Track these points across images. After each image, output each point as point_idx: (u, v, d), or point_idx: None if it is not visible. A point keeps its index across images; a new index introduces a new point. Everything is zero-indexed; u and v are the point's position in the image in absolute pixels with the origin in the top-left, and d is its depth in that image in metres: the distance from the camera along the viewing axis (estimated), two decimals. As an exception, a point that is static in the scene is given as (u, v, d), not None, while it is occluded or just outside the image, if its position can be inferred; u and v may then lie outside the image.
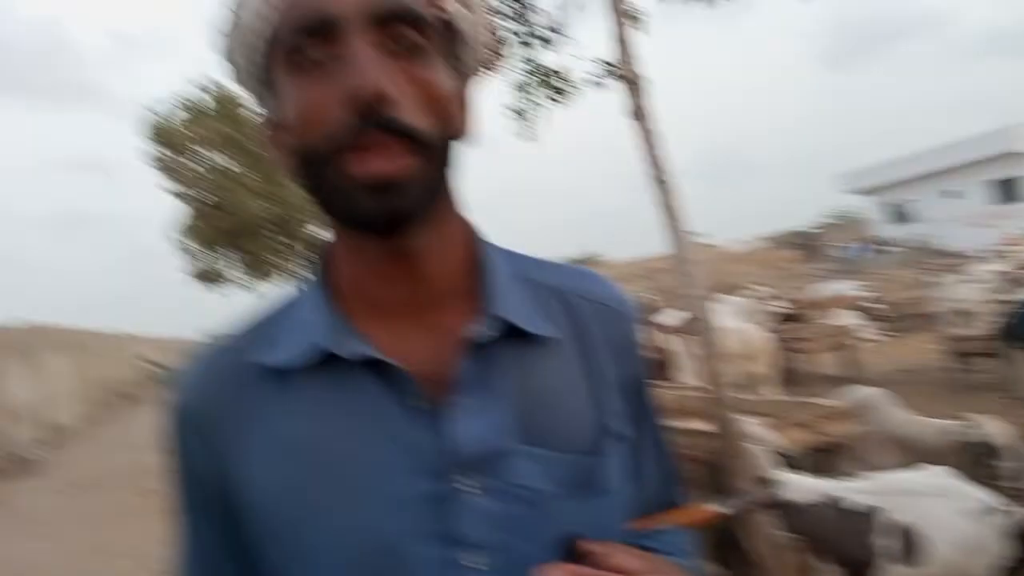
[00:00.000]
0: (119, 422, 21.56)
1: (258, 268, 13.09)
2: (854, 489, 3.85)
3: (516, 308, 0.83)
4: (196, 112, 11.23)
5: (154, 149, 11.47)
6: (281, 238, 11.49)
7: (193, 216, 11.95)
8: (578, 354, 0.87)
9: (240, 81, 0.86)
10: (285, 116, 0.78)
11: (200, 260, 13.47)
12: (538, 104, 3.82)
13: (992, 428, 5.31)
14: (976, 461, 5.23)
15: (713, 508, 0.76)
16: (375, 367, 0.79)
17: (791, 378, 11.00)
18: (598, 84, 3.65)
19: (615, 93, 3.86)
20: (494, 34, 0.88)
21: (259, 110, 0.85)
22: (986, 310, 11.19)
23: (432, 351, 0.81)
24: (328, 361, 0.79)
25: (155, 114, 11.51)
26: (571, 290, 0.90)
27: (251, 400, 0.82)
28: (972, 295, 11.45)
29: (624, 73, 2.47)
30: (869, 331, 13.16)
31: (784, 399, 5.92)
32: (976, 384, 9.21)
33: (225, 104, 11.27)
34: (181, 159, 11.22)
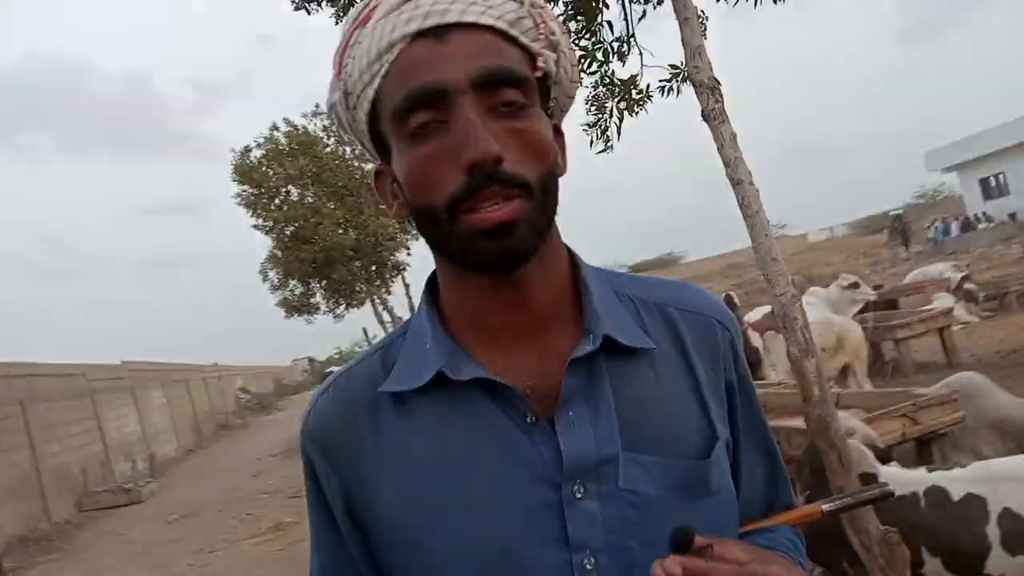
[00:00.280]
0: (218, 451, 22.32)
1: (343, 295, 13.44)
2: (958, 478, 3.74)
3: (615, 324, 0.90)
4: (277, 150, 11.65)
5: (239, 187, 11.94)
6: (363, 266, 11.78)
7: (279, 249, 12.36)
8: (678, 362, 0.93)
9: (343, 130, 0.97)
10: (400, 175, 0.87)
11: (288, 291, 13.92)
12: (612, 116, 3.86)
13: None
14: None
15: (822, 507, 0.79)
16: (488, 387, 0.87)
17: (884, 367, 10.71)
18: (671, 91, 3.67)
19: (689, 96, 3.89)
20: (576, 67, 0.95)
21: (363, 155, 0.99)
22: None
23: (540, 370, 0.89)
24: (443, 383, 0.87)
25: (238, 154, 11.96)
26: (667, 302, 0.97)
27: (375, 422, 0.91)
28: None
29: (694, 77, 2.49)
30: (964, 313, 12.71)
31: (879, 390, 5.78)
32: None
33: (304, 142, 11.65)
34: (264, 195, 11.63)
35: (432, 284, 0.97)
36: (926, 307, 11.78)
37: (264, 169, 11.56)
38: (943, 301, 12.05)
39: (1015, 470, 3.80)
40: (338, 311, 14.02)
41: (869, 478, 3.61)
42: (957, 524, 3.55)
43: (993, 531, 3.53)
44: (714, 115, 2.44)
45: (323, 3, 4.26)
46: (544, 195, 0.84)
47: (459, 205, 0.81)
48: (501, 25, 0.84)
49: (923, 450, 5.07)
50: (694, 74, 2.47)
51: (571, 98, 0.97)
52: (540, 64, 0.87)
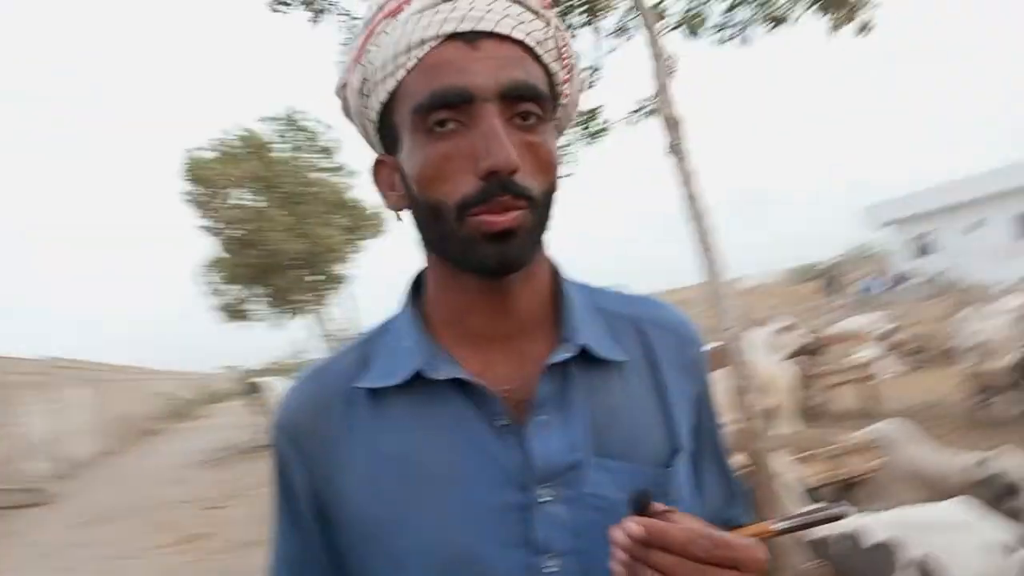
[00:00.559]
0: (135, 456, 21.69)
1: (284, 304, 13.23)
2: (877, 522, 3.82)
3: (591, 335, 0.92)
4: (229, 153, 11.46)
5: (189, 187, 11.69)
6: (308, 275, 11.63)
7: (224, 252, 12.14)
8: (648, 375, 0.96)
9: (350, 117, 0.98)
10: (410, 168, 0.88)
11: (227, 295, 13.64)
12: (573, 144, 3.90)
13: (1014, 462, 5.25)
14: (996, 496, 5.16)
15: (773, 526, 0.78)
16: (463, 388, 0.88)
17: (811, 412, 10.94)
18: (635, 123, 3.73)
19: (646, 130, 3.96)
20: (581, 93, 1.00)
21: (372, 149, 0.97)
22: (1009, 344, 11.10)
23: (516, 375, 0.91)
24: (419, 382, 0.88)
25: (190, 153, 11.75)
26: (640, 317, 1.00)
27: (347, 417, 0.92)
28: (995, 329, 11.36)
29: (663, 113, 2.54)
30: (891, 364, 13.06)
31: (808, 432, 5.90)
32: (998, 418, 9.10)
33: (257, 146, 11.48)
34: (214, 197, 11.42)
35: (415, 285, 0.99)
36: (855, 355, 12.09)
37: (215, 169, 11.32)
38: (871, 351, 12.37)
39: (929, 519, 3.90)
40: (277, 320, 13.82)
41: (796, 516, 3.66)
42: (870, 569, 3.62)
43: (905, 576, 3.60)
44: (677, 151, 2.49)
45: (293, 3, 4.23)
46: (545, 209, 0.88)
47: (470, 208, 0.83)
48: (530, 42, 0.87)
49: (847, 493, 5.17)
50: (661, 110, 2.52)
51: (572, 120, 1.01)
52: (565, 91, 0.93)
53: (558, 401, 0.90)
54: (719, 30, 3.53)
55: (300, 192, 11.26)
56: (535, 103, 0.86)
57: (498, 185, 0.82)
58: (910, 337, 16.03)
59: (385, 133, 0.93)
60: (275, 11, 4.20)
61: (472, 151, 0.83)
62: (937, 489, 5.42)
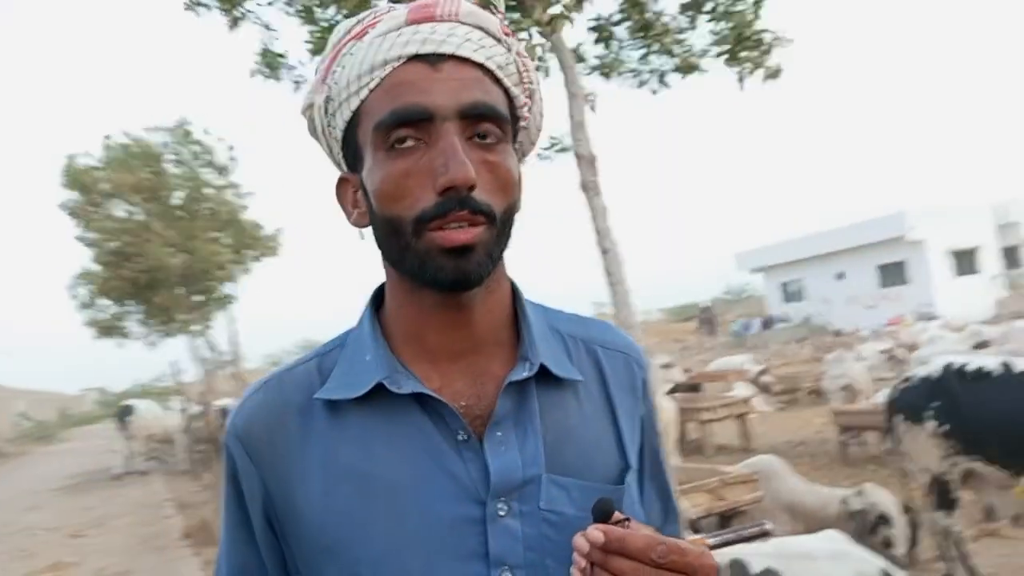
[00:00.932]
0: (-9, 478, 20.34)
1: (162, 322, 12.67)
2: (756, 552, 4.01)
3: (548, 355, 0.95)
4: (116, 158, 10.90)
5: (67, 194, 11.07)
6: (188, 292, 11.14)
7: (102, 265, 11.52)
8: (599, 395, 1.00)
9: (316, 136, 1.00)
10: (371, 185, 0.90)
11: (102, 311, 12.96)
12: None
13: (879, 497, 5.60)
14: (869, 527, 5.49)
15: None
16: (423, 402, 0.90)
17: (688, 446, 11.33)
18: (547, 159, 3.84)
19: (557, 166, 4.08)
20: (543, 117, 1.03)
21: (337, 164, 0.99)
22: (871, 386, 11.80)
23: (473, 391, 0.93)
24: (378, 395, 0.90)
25: (71, 160, 11.11)
26: (592, 340, 1.04)
27: (304, 428, 0.92)
28: (858, 372, 12.06)
29: (578, 150, 2.64)
30: (761, 403, 13.64)
31: (688, 466, 6.11)
32: (861, 457, 9.65)
33: (147, 153, 10.96)
34: (93, 205, 10.82)
35: (376, 299, 1.00)
36: (728, 393, 12.58)
37: (97, 173, 10.73)
38: (742, 390, 12.88)
39: (807, 549, 4.11)
40: (152, 338, 13.21)
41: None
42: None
43: (783, 604, 3.80)
44: (590, 187, 2.60)
45: (210, 6, 4.16)
46: (503, 227, 0.90)
47: (427, 223, 0.85)
48: (491, 65, 0.90)
49: (725, 524, 5.38)
50: (576, 146, 2.62)
51: (534, 144, 1.04)
52: (525, 114, 0.96)
53: (515, 418, 0.92)
54: (635, 75, 3.69)
55: (187, 207, 10.86)
56: (494, 123, 0.89)
57: (456, 201, 0.84)
58: (779, 378, 16.74)
59: (349, 152, 0.95)
60: (189, 10, 4.13)
61: (431, 168, 0.85)
62: (810, 521, 5.72)
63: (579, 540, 0.82)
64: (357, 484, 0.89)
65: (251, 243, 11.52)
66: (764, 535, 0.94)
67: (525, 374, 0.92)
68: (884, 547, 5.36)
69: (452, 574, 0.87)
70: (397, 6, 0.92)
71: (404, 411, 0.91)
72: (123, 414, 17.29)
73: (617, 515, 0.83)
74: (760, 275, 41.62)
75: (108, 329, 13.18)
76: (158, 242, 10.25)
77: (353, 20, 0.95)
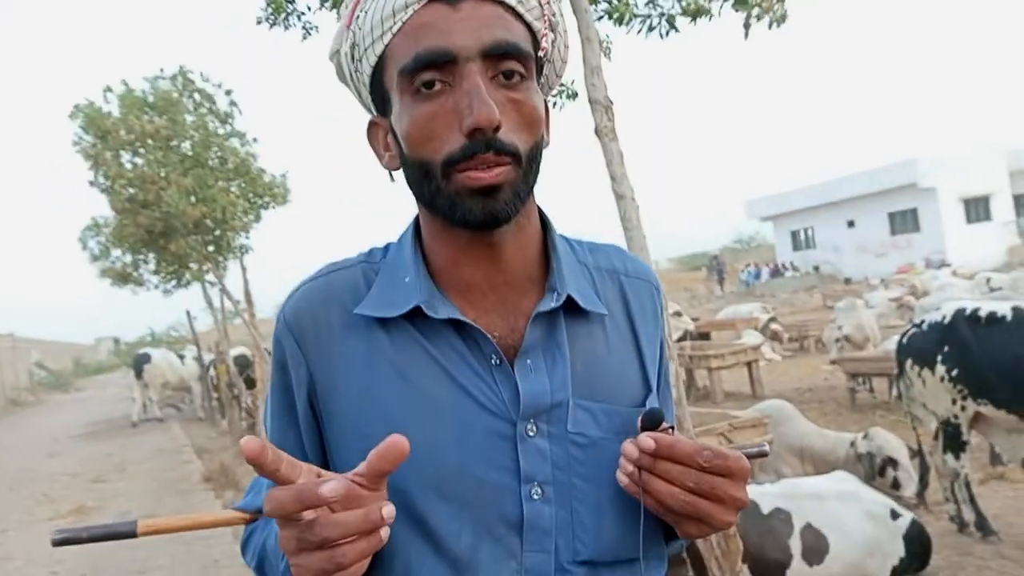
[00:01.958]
0: (7, 427, 20.66)
1: (176, 271, 12.70)
2: (768, 493, 4.11)
3: (576, 288, 0.99)
4: (136, 100, 10.81)
5: (84, 139, 10.98)
6: (202, 241, 11.14)
7: (117, 212, 11.48)
8: (624, 324, 1.04)
9: (344, 81, 1.03)
10: (399, 129, 0.93)
11: (115, 259, 12.99)
12: None
13: (886, 440, 5.70)
14: (877, 469, 5.60)
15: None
16: (458, 327, 0.95)
17: (695, 393, 11.46)
18: (557, 107, 3.84)
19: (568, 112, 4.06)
20: (568, 49, 1.05)
21: (368, 109, 1.02)
22: (878, 334, 11.88)
23: (506, 322, 0.97)
24: (417, 315, 0.94)
25: (89, 103, 11.01)
26: (617, 270, 1.08)
27: (348, 327, 0.97)
28: (867, 320, 12.13)
29: (591, 95, 2.65)
30: (769, 351, 13.75)
31: (698, 410, 6.19)
32: (869, 404, 9.76)
33: (167, 99, 10.86)
34: (110, 151, 10.74)
35: (416, 228, 1.03)
36: (737, 341, 12.67)
37: (115, 119, 10.64)
38: (751, 338, 12.97)
39: (817, 490, 4.23)
40: (168, 286, 13.26)
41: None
42: (766, 535, 3.90)
43: (795, 543, 3.91)
44: (606, 132, 2.61)
45: None
46: (530, 165, 0.92)
47: (455, 165, 0.87)
48: (511, 1, 0.91)
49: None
50: (591, 92, 2.63)
51: (559, 77, 1.06)
52: (544, 45, 0.96)
53: (544, 346, 0.95)
54: (643, 20, 3.67)
55: (198, 154, 10.80)
56: (518, 61, 0.89)
57: (482, 142, 0.85)
58: (787, 326, 16.83)
59: (377, 96, 0.96)
60: None
61: (456, 110, 0.86)
62: (819, 464, 5.84)
63: (628, 447, 0.87)
64: (396, 390, 0.93)
65: (260, 190, 11.47)
66: (762, 455, 1.00)
67: (552, 304, 0.95)
68: (892, 489, 5.49)
69: (485, 479, 0.91)
70: None
71: (440, 333, 0.95)
72: (139, 362, 17.53)
73: (664, 425, 0.89)
74: (769, 223, 41.53)
75: (123, 277, 13.19)
76: (174, 190, 10.21)
77: None
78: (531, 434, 0.93)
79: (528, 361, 0.95)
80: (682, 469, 0.84)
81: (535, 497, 0.92)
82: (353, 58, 0.97)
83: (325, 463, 0.98)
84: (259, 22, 4.29)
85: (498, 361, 0.94)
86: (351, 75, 0.99)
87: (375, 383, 0.94)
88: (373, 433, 0.87)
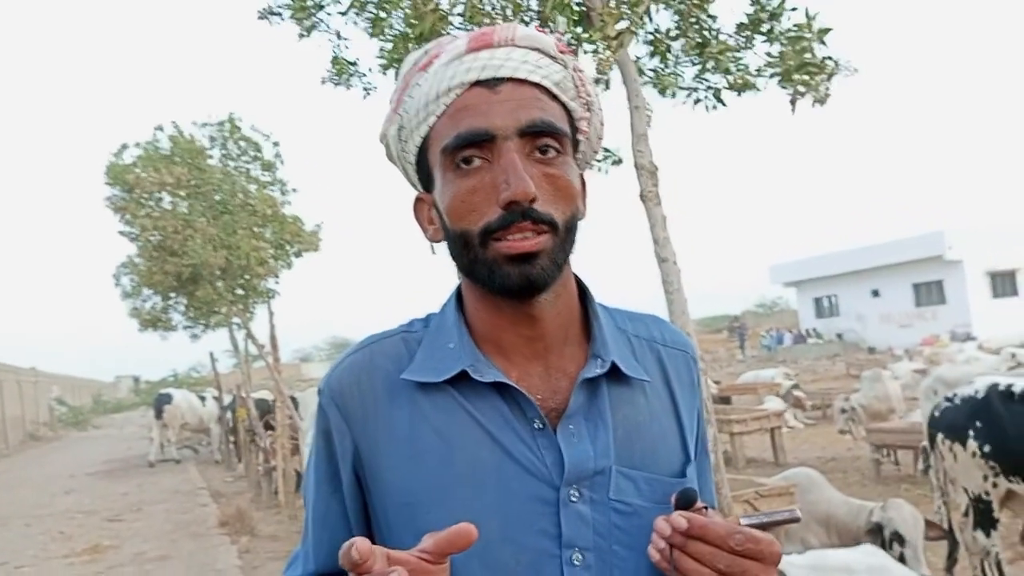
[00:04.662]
0: (25, 462, 20.73)
1: (203, 315, 12.88)
2: (796, 564, 4.05)
3: (618, 354, 1.03)
4: (156, 153, 11.10)
5: (110, 189, 11.29)
6: (228, 287, 11.29)
7: (144, 257, 11.71)
8: (663, 392, 1.07)
9: (392, 160, 1.10)
10: (442, 203, 0.98)
11: (140, 299, 13.18)
12: None
13: (900, 513, 5.58)
14: (884, 544, 5.48)
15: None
16: (502, 391, 0.98)
17: (719, 458, 11.30)
18: (603, 172, 3.91)
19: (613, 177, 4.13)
20: (603, 126, 1.10)
21: (413, 186, 1.08)
22: (903, 405, 11.74)
23: (548, 385, 1.01)
24: (462, 380, 0.98)
25: (114, 156, 11.34)
26: (655, 339, 1.11)
27: (392, 395, 1.01)
28: (893, 390, 12.00)
29: (637, 161, 2.71)
30: (791, 418, 13.60)
31: (724, 477, 6.12)
32: (894, 476, 9.61)
33: (188, 149, 11.15)
34: (133, 200, 11.00)
35: (458, 298, 1.07)
36: (759, 407, 12.55)
37: (138, 171, 10.95)
38: (773, 403, 12.85)
39: (846, 563, 4.16)
40: (196, 330, 13.44)
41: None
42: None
43: (822, 615, 3.84)
44: (650, 197, 2.67)
45: (284, 16, 4.29)
46: (567, 234, 0.97)
47: (493, 234, 0.93)
48: (547, 84, 0.98)
49: (762, 536, 5.40)
50: (638, 158, 2.70)
51: (596, 152, 1.12)
52: (584, 128, 1.03)
53: (587, 412, 0.98)
54: (690, 92, 3.75)
55: (227, 202, 11.00)
56: (553, 138, 0.95)
57: (519, 213, 0.91)
58: (810, 393, 16.65)
59: (422, 173, 1.03)
60: (263, 18, 4.25)
61: (495, 184, 0.92)
62: (843, 534, 5.73)
63: (661, 524, 0.89)
64: (440, 455, 0.96)
65: (291, 238, 11.65)
66: (794, 520, 1.00)
67: (598, 371, 0.99)
68: (905, 563, 5.36)
69: (526, 546, 0.94)
70: (459, 35, 1.00)
71: (484, 397, 0.98)
72: (160, 403, 17.62)
73: (698, 504, 0.90)
74: (793, 289, 41.36)
75: (152, 321, 13.40)
76: (200, 237, 10.40)
77: (420, 51, 1.04)
78: (574, 500, 0.95)
79: (571, 426, 0.98)
80: (713, 551, 0.85)
81: (576, 563, 0.95)
82: (400, 139, 1.04)
83: (368, 529, 1.02)
84: (323, 82, 4.47)
85: (541, 426, 0.97)
86: (398, 155, 1.06)
87: (418, 448, 0.97)
88: (416, 500, 0.92)
